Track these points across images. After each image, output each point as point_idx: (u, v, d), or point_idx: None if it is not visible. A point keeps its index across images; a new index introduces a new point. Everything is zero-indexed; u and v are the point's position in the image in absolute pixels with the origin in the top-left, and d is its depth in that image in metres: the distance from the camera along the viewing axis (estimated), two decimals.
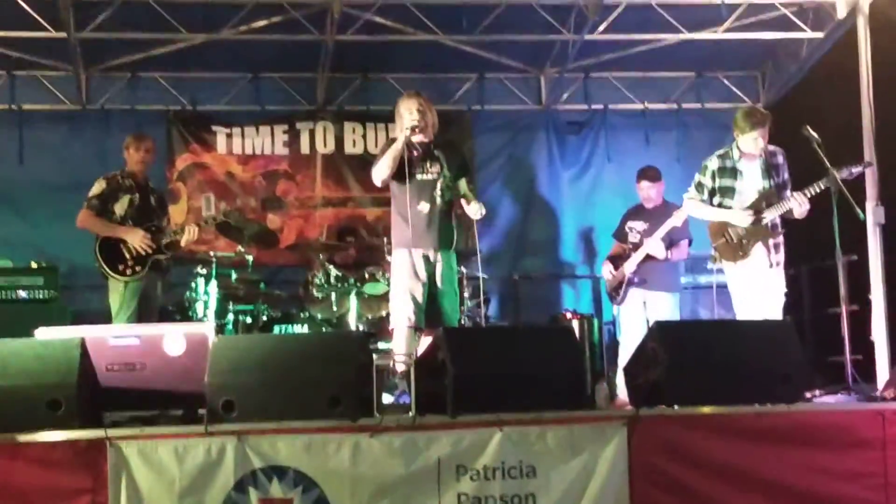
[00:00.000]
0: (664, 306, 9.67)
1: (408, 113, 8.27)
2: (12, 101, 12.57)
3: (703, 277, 10.96)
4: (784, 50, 12.73)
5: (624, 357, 9.54)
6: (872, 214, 8.94)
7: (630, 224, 10.04)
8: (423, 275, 8.16)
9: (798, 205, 8.28)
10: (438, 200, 8.25)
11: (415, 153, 8.32)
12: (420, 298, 8.15)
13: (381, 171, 8.25)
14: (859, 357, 8.95)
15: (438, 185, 8.29)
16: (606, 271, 10.14)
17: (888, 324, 10.22)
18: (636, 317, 9.73)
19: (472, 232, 8.56)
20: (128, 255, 8.70)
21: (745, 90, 13.53)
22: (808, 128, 8.31)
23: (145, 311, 8.82)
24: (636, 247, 9.76)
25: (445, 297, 8.27)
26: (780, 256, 8.40)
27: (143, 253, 8.65)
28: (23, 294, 10.60)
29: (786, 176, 8.48)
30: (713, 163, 8.58)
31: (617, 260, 9.99)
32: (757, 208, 8.30)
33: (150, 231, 8.74)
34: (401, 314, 8.14)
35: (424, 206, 8.20)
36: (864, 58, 11.10)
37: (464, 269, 9.99)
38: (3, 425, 6.11)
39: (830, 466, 6.58)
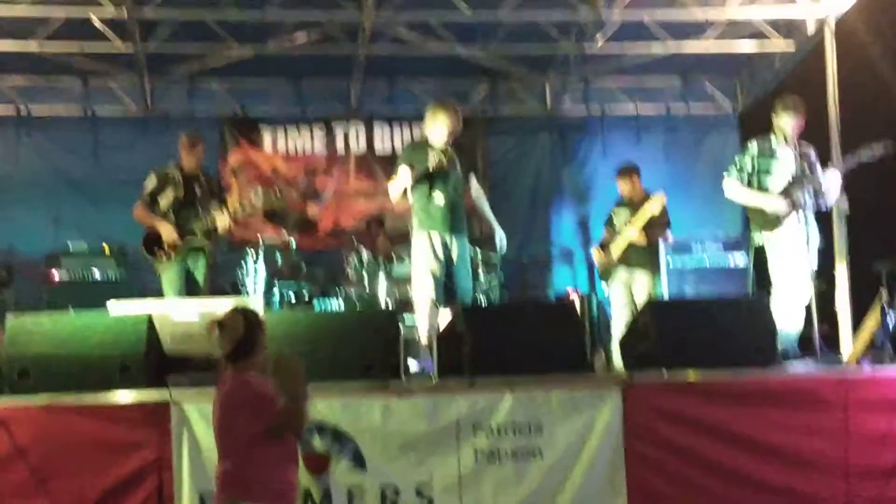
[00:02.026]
0: (646, 284, 9.69)
1: (438, 136, 8.19)
2: (87, 107, 12.65)
3: (689, 259, 10.99)
4: (760, 60, 12.71)
5: (615, 329, 9.59)
6: (838, 204, 8.93)
7: (616, 212, 10.05)
8: (441, 256, 8.14)
9: (831, 181, 8.25)
10: (452, 192, 8.19)
11: (431, 154, 8.18)
12: (440, 276, 8.15)
13: (395, 190, 8.32)
14: (826, 328, 8.95)
15: (452, 180, 8.23)
16: (596, 255, 10.15)
17: (851, 300, 10.23)
18: (623, 294, 9.76)
19: (493, 224, 8.57)
20: (165, 246, 8.71)
21: (725, 95, 13.52)
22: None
23: (192, 290, 8.80)
24: (619, 233, 9.78)
25: (460, 276, 8.24)
26: (814, 231, 8.23)
27: (171, 245, 8.66)
28: (96, 274, 10.69)
29: (817, 167, 8.35)
30: (753, 146, 8.44)
31: (606, 245, 9.99)
32: (791, 194, 8.22)
33: (189, 221, 8.73)
34: (422, 291, 8.14)
35: (440, 197, 8.17)
36: (830, 68, 11.08)
37: (479, 252, 10.03)
38: (81, 386, 6.21)
39: (799, 424, 6.60)
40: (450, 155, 8.21)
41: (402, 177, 8.19)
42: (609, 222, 10.19)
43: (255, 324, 4.80)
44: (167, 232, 8.59)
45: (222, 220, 8.65)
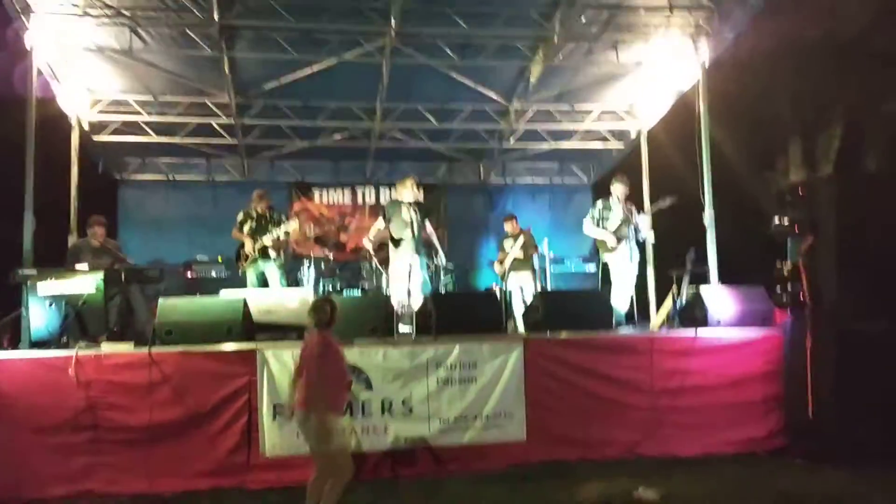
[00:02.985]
0: (527, 281, 9.76)
1: (408, 196, 8.13)
2: (209, 176, 12.56)
3: (562, 268, 11.04)
4: (603, 153, 12.75)
5: (515, 308, 9.54)
6: (648, 237, 9.02)
7: (505, 242, 10.13)
8: (407, 268, 7.99)
9: (643, 223, 8.36)
10: (416, 231, 8.09)
11: (403, 206, 8.13)
12: (407, 280, 7.92)
13: (372, 233, 8.37)
14: (641, 309, 9.01)
15: (415, 223, 8.10)
16: (496, 267, 10.22)
17: (655, 292, 10.33)
18: (514, 288, 9.80)
19: (438, 248, 8.75)
20: (244, 256, 8.71)
21: (584, 174, 13.58)
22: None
23: (264, 284, 8.70)
24: (507, 253, 9.88)
25: (419, 279, 8.08)
26: (635, 253, 8.34)
27: (248, 254, 8.64)
28: (213, 274, 10.57)
29: (636, 218, 8.40)
30: (599, 203, 8.51)
31: (501, 261, 10.04)
32: (619, 232, 8.28)
33: (259, 241, 8.61)
34: (397, 287, 7.94)
35: (408, 234, 8.07)
36: (644, 158, 11.21)
37: (441, 263, 10.02)
38: (203, 340, 6.18)
39: (625, 363, 6.67)
40: (414, 210, 8.13)
41: (380, 224, 8.27)
42: (500, 247, 10.29)
43: (334, 307, 5.01)
44: (248, 244, 8.58)
45: (268, 240, 8.58)
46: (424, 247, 8.39)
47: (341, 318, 6.14)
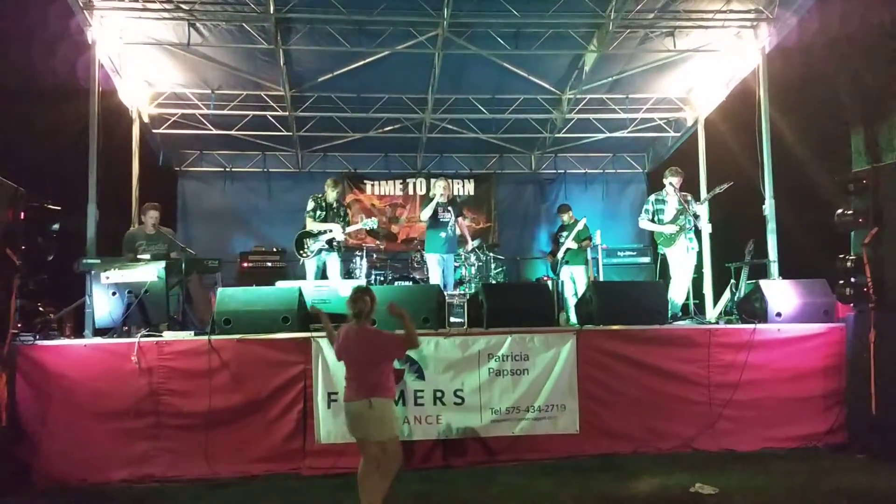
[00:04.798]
0: (579, 273, 9.81)
1: (441, 189, 9.08)
2: (264, 167, 12.72)
3: (615, 259, 10.91)
4: (658, 142, 12.59)
5: (568, 300, 9.67)
6: (705, 227, 8.86)
7: (561, 233, 10.21)
8: (441, 266, 8.94)
9: (700, 212, 8.22)
10: (450, 231, 8.94)
11: (439, 208, 8.97)
12: (440, 276, 8.87)
13: (425, 216, 9.06)
14: (697, 301, 8.86)
15: (449, 224, 8.92)
16: (549, 259, 10.24)
17: (713, 284, 10.13)
18: (566, 280, 9.85)
19: (468, 239, 9.64)
20: (304, 247, 8.72)
21: (637, 164, 13.39)
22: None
23: (323, 275, 8.77)
24: (562, 244, 9.87)
25: (450, 275, 9.06)
26: (694, 244, 8.19)
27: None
28: (268, 264, 10.75)
29: (693, 207, 8.24)
30: (653, 197, 8.39)
31: (553, 253, 10.06)
32: (677, 222, 8.15)
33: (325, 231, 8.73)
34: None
35: (443, 233, 8.93)
36: (701, 147, 11.00)
37: (491, 254, 10.16)
38: (261, 329, 6.27)
39: (681, 356, 6.57)
40: (448, 210, 9.03)
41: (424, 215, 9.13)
42: (554, 238, 10.31)
43: (374, 299, 4.97)
44: (337, 230, 8.63)
45: (337, 234, 8.66)
46: (458, 243, 9.30)
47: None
